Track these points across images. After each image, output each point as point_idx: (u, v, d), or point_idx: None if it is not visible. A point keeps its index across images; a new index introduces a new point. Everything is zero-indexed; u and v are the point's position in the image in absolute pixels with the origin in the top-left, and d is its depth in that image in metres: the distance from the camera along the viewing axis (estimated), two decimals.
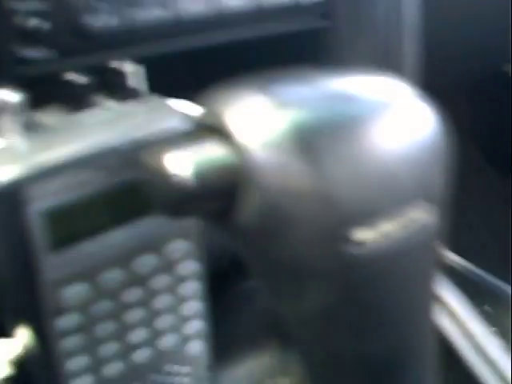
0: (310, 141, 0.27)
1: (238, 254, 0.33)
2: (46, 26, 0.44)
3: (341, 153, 0.27)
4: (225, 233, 0.31)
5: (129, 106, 0.37)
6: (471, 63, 0.99)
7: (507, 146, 1.10)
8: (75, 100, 0.36)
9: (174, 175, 0.27)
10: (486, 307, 0.88)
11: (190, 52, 0.44)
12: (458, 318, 0.63)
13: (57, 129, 0.35)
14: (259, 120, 0.27)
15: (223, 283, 0.43)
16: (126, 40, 0.40)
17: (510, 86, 1.04)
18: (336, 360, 0.30)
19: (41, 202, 0.32)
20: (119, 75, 0.38)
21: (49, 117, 0.36)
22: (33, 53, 0.42)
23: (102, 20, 0.45)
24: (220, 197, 0.29)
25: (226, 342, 0.44)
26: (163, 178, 0.28)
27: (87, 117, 0.36)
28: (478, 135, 1.26)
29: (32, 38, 0.43)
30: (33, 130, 0.34)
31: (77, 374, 0.37)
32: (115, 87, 0.38)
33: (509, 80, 1.05)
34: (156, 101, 0.37)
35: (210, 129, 0.29)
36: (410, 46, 0.55)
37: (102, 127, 0.35)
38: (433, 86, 0.39)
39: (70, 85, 0.37)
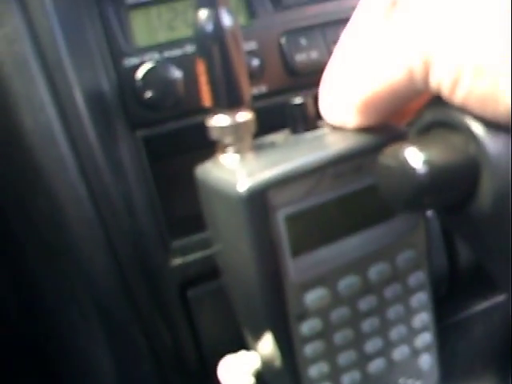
0: None
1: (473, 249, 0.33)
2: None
3: None
4: (458, 224, 0.32)
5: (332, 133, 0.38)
6: None
7: None
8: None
9: (413, 167, 0.29)
10: None
11: None
12: None
13: (284, 145, 0.37)
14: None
15: (439, 312, 0.42)
16: None
17: None
18: None
19: (286, 208, 0.34)
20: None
21: (276, 137, 0.39)
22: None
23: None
24: (455, 186, 0.30)
25: (442, 373, 0.44)
26: (403, 171, 0.30)
27: (308, 136, 0.37)
28: None
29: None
30: (264, 148, 0.37)
31: (317, 381, 0.38)
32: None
33: None
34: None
35: (439, 125, 0.31)
36: None
37: (324, 143, 0.37)
38: None
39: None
